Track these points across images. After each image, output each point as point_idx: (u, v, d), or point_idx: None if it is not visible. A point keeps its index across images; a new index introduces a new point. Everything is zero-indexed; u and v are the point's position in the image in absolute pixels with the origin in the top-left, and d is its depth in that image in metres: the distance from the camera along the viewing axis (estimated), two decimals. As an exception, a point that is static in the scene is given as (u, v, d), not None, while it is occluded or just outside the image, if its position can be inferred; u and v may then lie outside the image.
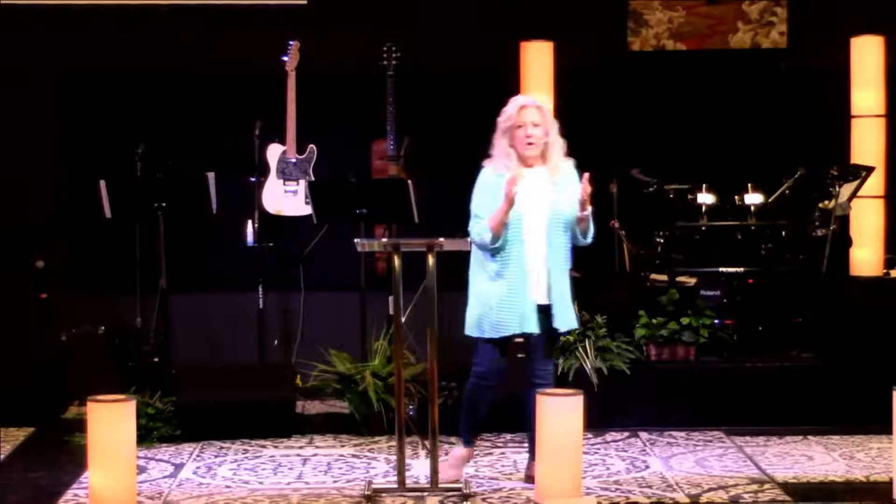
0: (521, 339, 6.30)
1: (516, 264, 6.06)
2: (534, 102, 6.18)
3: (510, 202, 5.93)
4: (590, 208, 6.03)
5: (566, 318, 6.17)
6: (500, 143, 6.16)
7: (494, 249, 6.06)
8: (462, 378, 6.94)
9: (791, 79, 9.21)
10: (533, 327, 6.10)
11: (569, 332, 6.57)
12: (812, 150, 8.70)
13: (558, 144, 6.14)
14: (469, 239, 6.10)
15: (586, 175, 6.00)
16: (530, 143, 6.09)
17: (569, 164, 6.18)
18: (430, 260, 6.00)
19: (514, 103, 6.16)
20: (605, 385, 7.36)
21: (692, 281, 8.00)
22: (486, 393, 6.29)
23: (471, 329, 6.23)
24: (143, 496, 6.08)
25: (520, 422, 7.06)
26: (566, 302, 6.16)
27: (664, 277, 8.07)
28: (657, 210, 8.40)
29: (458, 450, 6.39)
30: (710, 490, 6.17)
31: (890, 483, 6.02)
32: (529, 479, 6.26)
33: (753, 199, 8.39)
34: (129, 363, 8.15)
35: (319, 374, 7.73)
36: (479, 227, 6.06)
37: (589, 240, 6.17)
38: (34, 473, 6.58)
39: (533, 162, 6.13)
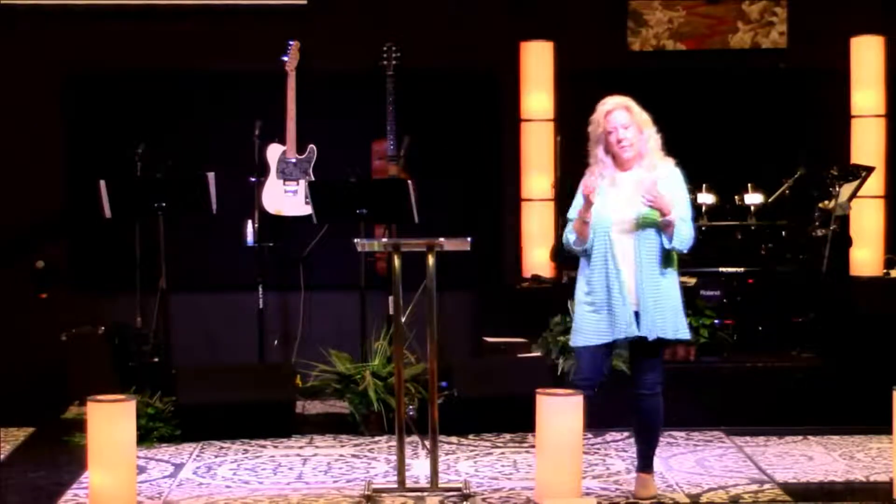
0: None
1: (601, 269, 5.82)
2: (620, 104, 5.91)
3: (589, 204, 5.77)
4: (672, 214, 5.69)
5: (656, 325, 5.77)
6: (594, 152, 5.93)
7: (584, 252, 5.88)
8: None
9: (791, 79, 9.21)
10: (619, 334, 5.80)
11: (667, 342, 5.91)
12: (812, 150, 8.69)
13: (653, 142, 5.89)
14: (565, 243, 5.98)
15: (653, 180, 5.76)
16: (623, 147, 5.85)
17: (667, 166, 5.91)
18: (430, 260, 6.00)
19: (600, 108, 5.93)
20: (606, 385, 7.35)
21: (692, 281, 8.00)
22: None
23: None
24: (143, 496, 6.08)
25: (520, 422, 7.09)
26: (658, 308, 5.77)
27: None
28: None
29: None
30: (710, 490, 6.17)
31: (890, 483, 6.02)
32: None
33: (753, 199, 8.39)
34: (129, 363, 8.14)
35: (319, 374, 7.73)
36: (567, 228, 5.96)
37: (677, 246, 5.76)
38: (34, 473, 6.58)
39: (630, 164, 5.87)
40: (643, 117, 5.92)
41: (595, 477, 6.41)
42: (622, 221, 5.80)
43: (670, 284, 5.84)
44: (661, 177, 5.83)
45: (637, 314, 5.78)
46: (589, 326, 5.84)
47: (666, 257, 5.82)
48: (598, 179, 5.84)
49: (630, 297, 5.77)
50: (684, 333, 5.90)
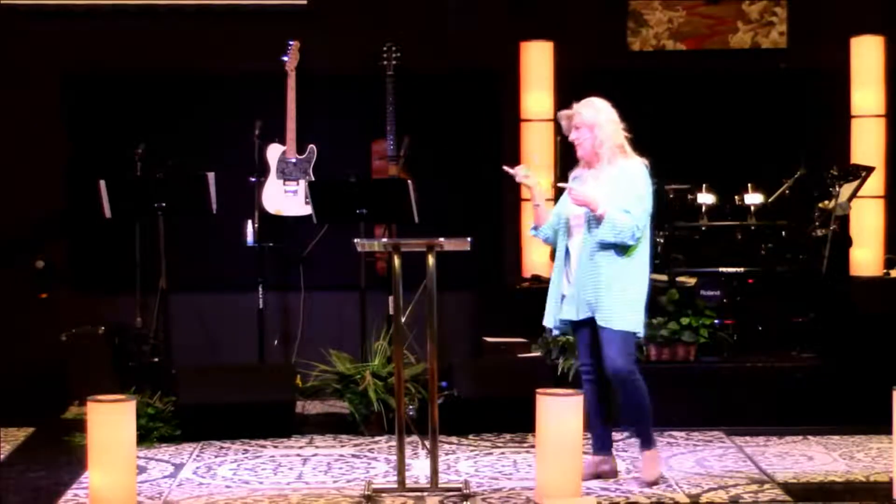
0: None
1: (559, 258, 6.34)
2: (577, 107, 6.28)
3: (527, 188, 6.40)
4: (601, 209, 6.05)
5: (590, 307, 6.12)
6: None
7: (546, 241, 6.50)
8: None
9: (791, 79, 9.21)
10: (568, 317, 6.25)
11: (615, 330, 6.13)
12: (812, 150, 8.69)
13: (607, 141, 6.21)
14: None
15: (568, 187, 6.24)
16: (576, 146, 6.31)
17: (626, 163, 6.22)
18: (430, 260, 6.01)
19: (560, 115, 6.39)
20: (604, 386, 7.35)
21: (692, 281, 8.00)
22: (585, 386, 6.36)
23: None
24: (143, 496, 6.08)
25: (520, 422, 7.09)
26: (598, 293, 6.09)
27: (664, 277, 8.07)
28: (657, 210, 8.39)
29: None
30: (710, 490, 6.16)
31: (890, 483, 6.02)
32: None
33: (753, 199, 8.39)
34: (129, 363, 8.14)
35: (319, 374, 7.73)
36: None
37: (608, 237, 6.06)
38: (34, 473, 6.58)
39: (593, 162, 6.27)
40: (596, 117, 6.23)
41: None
42: (577, 216, 6.24)
43: (620, 275, 6.12)
44: (615, 174, 6.17)
45: (578, 299, 6.17)
46: (548, 308, 6.33)
47: (613, 247, 6.11)
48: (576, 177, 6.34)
49: (575, 281, 6.19)
50: (627, 325, 6.12)
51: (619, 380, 6.14)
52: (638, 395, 6.18)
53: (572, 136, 6.29)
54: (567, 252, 6.29)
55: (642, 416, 6.23)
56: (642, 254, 6.20)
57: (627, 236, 6.08)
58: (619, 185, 6.15)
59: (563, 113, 6.34)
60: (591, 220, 6.15)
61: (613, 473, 6.40)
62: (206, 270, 9.09)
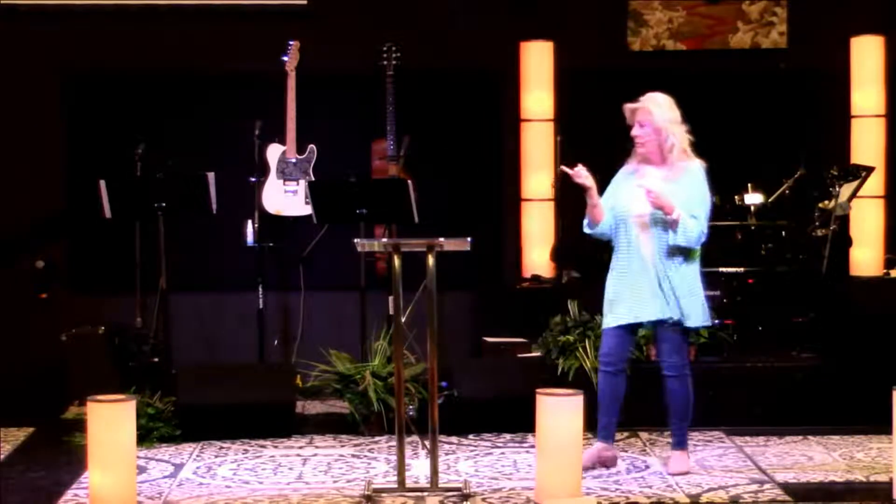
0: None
1: (625, 257, 6.38)
2: (644, 102, 6.36)
3: (585, 188, 6.32)
4: (676, 213, 6.18)
5: (676, 310, 6.28)
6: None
7: (602, 236, 6.49)
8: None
9: (791, 79, 9.21)
10: (642, 317, 6.34)
11: (686, 327, 6.39)
12: (812, 150, 8.69)
13: (675, 142, 6.32)
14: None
15: (645, 187, 6.20)
16: (637, 143, 6.37)
17: (692, 166, 6.35)
18: (430, 260, 6.01)
19: (625, 108, 6.41)
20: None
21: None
22: (606, 378, 6.47)
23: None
24: (143, 496, 6.08)
25: (520, 422, 7.09)
26: (675, 295, 6.27)
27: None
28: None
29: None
30: (710, 490, 6.16)
31: (890, 483, 6.02)
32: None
33: (753, 199, 8.39)
34: (129, 363, 8.14)
35: (319, 374, 7.73)
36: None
37: (681, 242, 6.22)
38: (34, 473, 6.57)
39: (652, 160, 6.36)
40: (665, 117, 6.33)
41: (595, 477, 6.41)
42: (640, 215, 6.30)
43: (687, 274, 6.30)
44: (682, 174, 6.27)
45: (657, 299, 6.28)
46: (617, 308, 6.37)
47: (681, 249, 6.27)
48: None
49: (650, 282, 6.27)
50: (702, 321, 6.37)
51: (677, 380, 6.42)
52: (682, 398, 6.47)
53: (635, 132, 6.35)
54: (631, 248, 6.33)
55: (689, 413, 6.50)
56: (699, 254, 6.42)
57: (696, 241, 6.26)
58: (683, 186, 6.27)
59: (629, 106, 6.37)
60: (660, 221, 6.24)
61: (614, 461, 6.56)
62: (206, 270, 9.09)
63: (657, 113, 6.31)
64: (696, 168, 6.35)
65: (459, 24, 9.19)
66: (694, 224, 6.21)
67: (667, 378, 6.44)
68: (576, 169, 6.29)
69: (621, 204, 6.37)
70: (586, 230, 6.54)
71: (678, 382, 6.43)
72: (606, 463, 6.52)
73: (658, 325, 6.38)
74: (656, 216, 6.25)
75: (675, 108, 6.37)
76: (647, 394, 7.53)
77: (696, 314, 6.35)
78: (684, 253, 6.30)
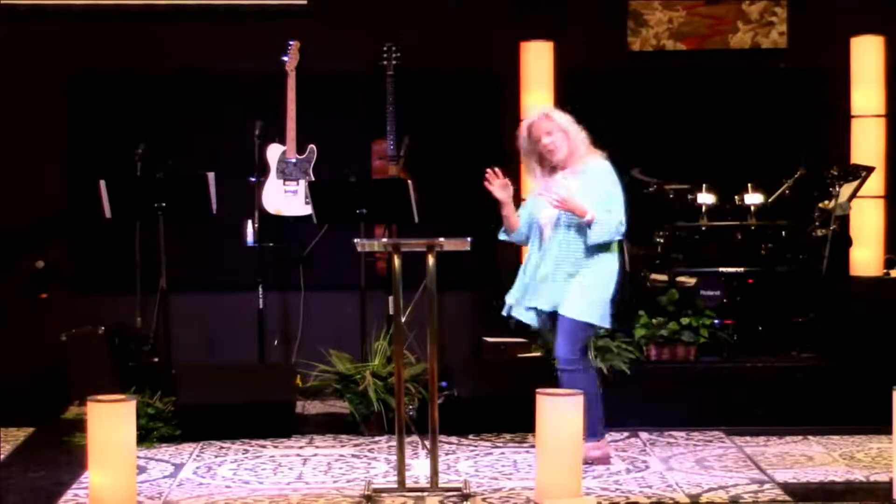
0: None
1: (535, 257, 6.63)
2: (539, 114, 6.57)
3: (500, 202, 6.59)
4: (590, 214, 6.36)
5: (557, 300, 6.47)
6: (528, 165, 6.72)
7: (516, 243, 6.82)
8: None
9: (791, 79, 9.21)
10: (534, 303, 6.56)
11: (578, 321, 6.49)
12: (812, 150, 8.69)
13: (579, 140, 6.49)
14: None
15: (555, 198, 6.38)
16: (551, 152, 6.53)
17: (594, 162, 6.51)
18: (430, 260, 6.01)
19: (523, 124, 6.63)
20: (605, 385, 7.36)
21: (692, 281, 8.00)
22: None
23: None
24: (143, 496, 6.08)
25: (520, 422, 7.09)
26: (568, 287, 6.44)
27: (664, 277, 8.07)
28: (657, 210, 8.40)
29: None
30: (710, 490, 6.16)
31: (890, 483, 6.02)
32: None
33: (753, 199, 8.38)
34: (129, 363, 8.14)
35: (319, 374, 7.73)
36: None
37: (598, 240, 6.42)
38: (34, 473, 6.58)
39: (565, 165, 6.54)
40: (565, 119, 6.53)
41: (595, 477, 6.41)
42: (547, 217, 6.52)
43: (593, 272, 6.46)
44: (588, 173, 6.45)
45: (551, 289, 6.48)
46: (517, 300, 6.65)
47: (598, 247, 6.45)
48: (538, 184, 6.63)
49: (546, 275, 6.49)
50: (586, 316, 6.43)
51: (568, 374, 6.47)
52: (591, 386, 6.48)
53: (545, 140, 6.49)
54: (542, 249, 6.57)
55: (593, 408, 6.45)
56: (611, 249, 6.54)
57: (616, 233, 6.43)
58: (591, 184, 6.44)
59: (525, 124, 6.57)
60: (574, 224, 6.43)
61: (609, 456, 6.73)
62: (206, 270, 9.08)
63: (557, 117, 6.51)
64: (601, 163, 6.52)
65: (459, 24, 9.19)
66: (609, 217, 6.38)
67: (558, 371, 6.52)
68: (497, 181, 6.52)
69: (535, 212, 6.62)
70: (501, 237, 6.78)
71: (567, 376, 6.45)
72: (607, 456, 6.66)
73: (554, 317, 6.51)
74: (570, 220, 6.43)
75: None
76: (647, 394, 7.56)
77: (577, 305, 6.42)
78: (602, 250, 6.47)
